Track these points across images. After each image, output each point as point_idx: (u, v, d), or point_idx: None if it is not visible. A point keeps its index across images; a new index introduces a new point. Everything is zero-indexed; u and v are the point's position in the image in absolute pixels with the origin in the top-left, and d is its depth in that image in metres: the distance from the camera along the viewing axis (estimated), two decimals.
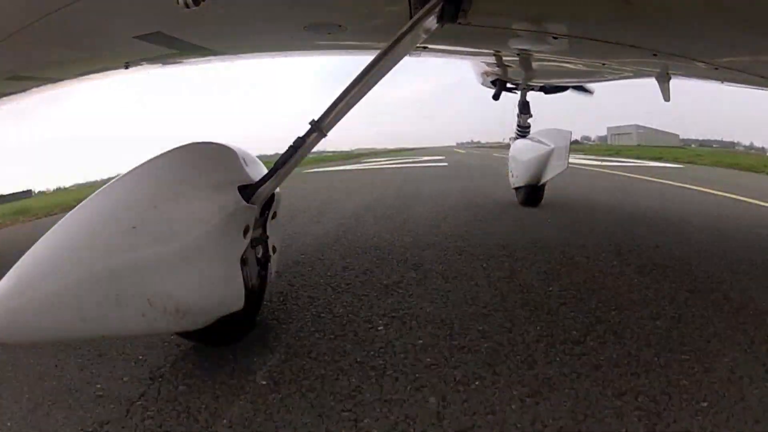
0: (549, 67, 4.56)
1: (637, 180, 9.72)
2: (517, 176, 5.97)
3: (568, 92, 6.09)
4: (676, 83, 4.17)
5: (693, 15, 2.20)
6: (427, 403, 1.68)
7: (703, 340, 2.10)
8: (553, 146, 5.54)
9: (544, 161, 5.53)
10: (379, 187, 9.06)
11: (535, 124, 6.35)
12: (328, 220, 5.35)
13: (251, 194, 1.96)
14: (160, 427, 1.58)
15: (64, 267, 1.50)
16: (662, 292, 2.72)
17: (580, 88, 6.04)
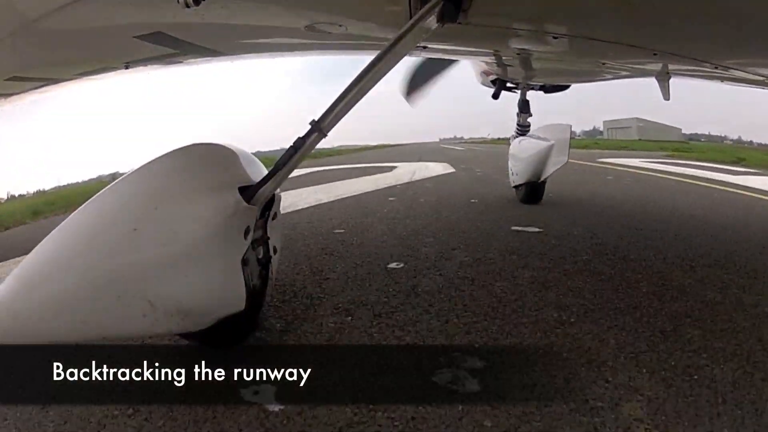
0: (549, 66, 4.56)
1: None
2: (518, 174, 5.98)
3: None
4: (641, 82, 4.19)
5: (693, 14, 2.20)
6: None
7: None
8: (552, 142, 5.54)
9: (544, 158, 5.53)
10: None
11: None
12: None
13: (252, 195, 1.96)
14: None
15: (65, 269, 1.50)
16: None
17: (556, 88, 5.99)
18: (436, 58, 6.05)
